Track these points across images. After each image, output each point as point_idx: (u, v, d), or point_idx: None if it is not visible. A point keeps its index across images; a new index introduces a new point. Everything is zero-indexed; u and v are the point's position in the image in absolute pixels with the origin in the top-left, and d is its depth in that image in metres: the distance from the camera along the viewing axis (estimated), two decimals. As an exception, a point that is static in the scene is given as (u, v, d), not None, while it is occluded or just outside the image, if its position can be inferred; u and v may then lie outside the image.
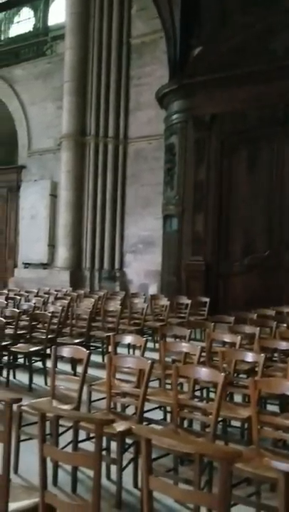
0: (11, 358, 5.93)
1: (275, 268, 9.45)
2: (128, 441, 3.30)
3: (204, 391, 4.62)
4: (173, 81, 10.90)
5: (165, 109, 11.35)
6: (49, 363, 5.75)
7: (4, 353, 5.72)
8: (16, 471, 3.35)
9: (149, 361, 3.36)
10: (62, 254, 12.98)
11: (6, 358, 5.83)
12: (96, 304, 8.22)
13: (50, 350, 5.96)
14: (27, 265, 14.51)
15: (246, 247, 9.88)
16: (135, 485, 3.24)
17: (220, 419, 3.38)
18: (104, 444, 3.16)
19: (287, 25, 9.38)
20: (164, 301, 8.78)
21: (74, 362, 5.78)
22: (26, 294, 9.86)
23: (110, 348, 4.70)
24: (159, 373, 4.22)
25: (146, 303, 8.57)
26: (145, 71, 12.37)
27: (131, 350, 6.93)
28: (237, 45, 9.87)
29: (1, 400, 2.17)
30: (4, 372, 5.72)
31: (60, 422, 3.38)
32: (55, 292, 10.04)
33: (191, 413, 3.41)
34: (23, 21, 17.74)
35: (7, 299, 8.43)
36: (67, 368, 6.10)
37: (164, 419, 4.11)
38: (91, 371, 5.30)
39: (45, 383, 5.76)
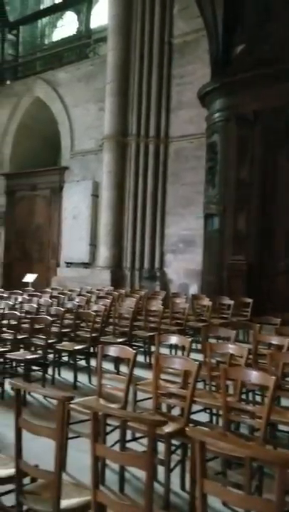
0: (57, 355, 6.03)
1: None
2: (174, 442, 3.28)
3: (250, 394, 4.54)
4: (215, 79, 10.77)
5: (207, 107, 11.23)
6: (93, 362, 5.84)
7: (50, 350, 5.82)
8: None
9: (196, 362, 3.33)
10: (103, 253, 13.12)
11: (51, 355, 5.93)
12: (138, 303, 8.24)
13: (94, 348, 6.08)
14: (69, 264, 14.75)
15: (291, 246, 9.63)
16: (182, 487, 3.22)
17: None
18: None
19: None
20: (206, 301, 8.70)
21: (117, 361, 5.82)
22: (69, 292, 10.01)
23: (155, 348, 4.69)
24: (204, 375, 4.18)
25: (188, 303, 8.52)
26: (187, 70, 12.30)
27: (173, 351, 6.91)
28: (280, 40, 9.64)
29: (54, 398, 2.20)
30: (50, 370, 5.82)
31: (108, 420, 3.41)
32: (97, 291, 10.16)
33: (239, 416, 3.36)
34: (67, 25, 18.05)
35: (51, 297, 8.59)
36: (111, 366, 6.16)
37: (211, 421, 4.06)
38: (134, 370, 5.34)
39: (89, 381, 5.83)
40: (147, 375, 5.12)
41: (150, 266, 12.80)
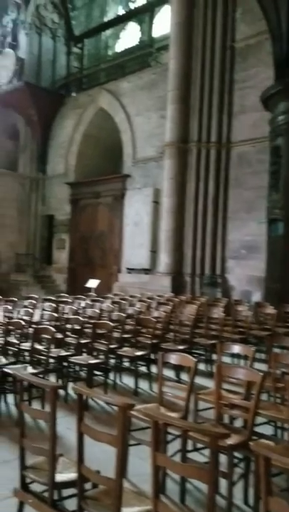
0: (118, 361, 6.09)
1: None
2: (237, 454, 3.19)
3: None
4: (279, 81, 10.50)
5: (270, 110, 10.96)
6: (154, 368, 5.84)
7: (112, 356, 5.88)
8: (124, 476, 3.40)
9: (260, 373, 3.22)
10: (164, 259, 13.13)
11: (113, 360, 6.00)
12: (198, 310, 8.15)
13: (155, 355, 6.08)
14: (130, 270, 14.92)
15: None
16: (246, 501, 3.12)
17: None
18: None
19: None
20: (270, 310, 8.43)
21: (178, 368, 5.77)
22: (130, 298, 10.10)
23: (217, 357, 4.60)
24: (269, 386, 4.04)
25: (251, 311, 8.30)
26: (250, 74, 12.09)
27: (236, 360, 6.75)
28: None
29: (115, 405, 2.21)
30: (111, 375, 5.88)
31: (168, 428, 3.37)
32: (158, 297, 10.17)
33: (306, 431, 3.20)
34: (129, 35, 18.38)
35: (113, 303, 8.71)
36: (171, 374, 6.12)
37: (275, 434, 3.91)
38: (195, 378, 5.27)
39: (150, 388, 5.83)
40: (209, 383, 5.03)
41: (211, 272, 12.63)
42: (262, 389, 3.26)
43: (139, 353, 5.96)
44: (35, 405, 4.52)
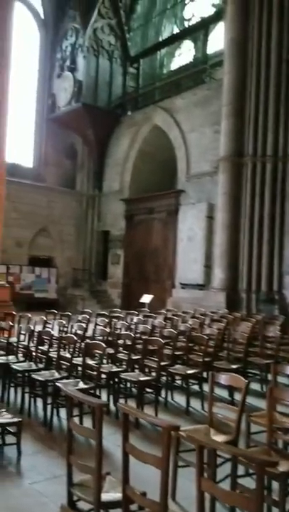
0: (169, 378, 6.03)
1: None
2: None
3: None
4: None
5: None
6: (206, 387, 5.72)
7: (163, 373, 5.84)
8: (173, 498, 3.34)
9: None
10: (218, 275, 12.95)
11: (164, 378, 5.95)
12: (253, 328, 7.93)
13: (207, 373, 5.96)
14: (184, 286, 14.84)
15: None
16: (299, 533, 2.96)
17: None
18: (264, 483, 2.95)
19: None
20: None
21: (232, 388, 5.62)
22: (183, 314, 10.02)
23: (272, 378, 4.44)
24: None
25: (309, 330, 7.97)
26: (306, 85, 11.81)
27: (292, 381, 6.48)
28: None
29: (160, 426, 2.18)
30: (163, 393, 5.83)
31: (218, 451, 3.28)
32: (211, 314, 10.02)
33: None
34: (184, 53, 18.59)
35: (165, 319, 8.68)
36: (225, 393, 5.98)
37: None
38: (249, 399, 5.09)
39: (202, 407, 5.71)
40: (263, 405, 4.86)
41: (268, 288, 12.29)
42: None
43: (190, 371, 5.87)
44: (87, 420, 4.56)
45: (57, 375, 5.04)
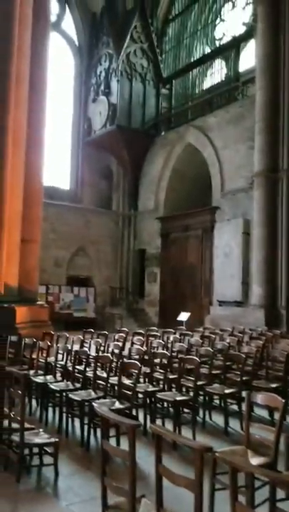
0: (207, 398, 5.95)
1: None
2: None
3: None
4: None
5: None
6: (245, 407, 5.60)
7: (200, 392, 5.77)
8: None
9: None
10: (256, 291, 12.75)
11: (201, 398, 5.87)
12: (294, 346, 7.72)
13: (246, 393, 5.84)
14: (221, 303, 14.67)
15: None
16: None
17: None
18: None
19: None
20: None
21: (271, 408, 5.48)
22: (221, 332, 9.89)
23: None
24: None
25: None
26: None
27: None
28: None
29: (192, 448, 2.17)
30: (201, 413, 5.75)
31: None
32: (250, 331, 9.84)
33: None
34: (216, 72, 18.73)
35: (202, 337, 8.59)
36: (264, 413, 5.83)
37: None
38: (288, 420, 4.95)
39: (241, 428, 5.59)
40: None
41: (308, 305, 11.98)
42: None
43: (228, 391, 5.77)
44: (125, 441, 4.55)
45: (93, 394, 5.08)
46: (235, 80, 16.70)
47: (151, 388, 5.54)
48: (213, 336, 8.75)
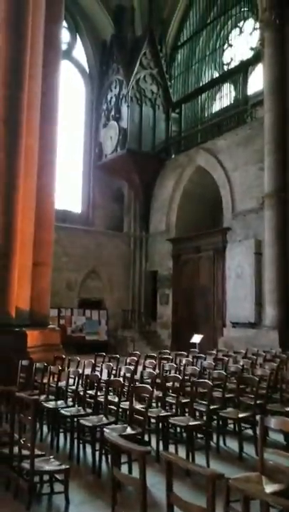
0: (220, 422, 5.83)
1: None
2: None
3: None
4: None
5: None
6: (258, 432, 5.47)
7: (214, 417, 5.65)
8: None
9: None
10: (270, 312, 12.60)
11: (215, 422, 5.75)
12: (309, 368, 7.57)
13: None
14: (235, 324, 14.50)
15: None
16: None
17: None
18: None
19: None
20: None
21: (286, 432, 5.34)
22: (234, 354, 9.75)
23: None
24: None
25: None
26: None
27: None
28: None
29: (203, 475, 2.12)
30: (214, 437, 5.63)
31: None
32: (264, 353, 9.68)
33: None
34: (224, 96, 18.98)
35: (215, 360, 8.47)
36: (280, 437, 5.69)
37: None
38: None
39: (256, 453, 5.44)
40: None
41: None
42: None
43: (242, 415, 5.64)
44: (136, 468, 4.45)
45: (105, 420, 5.00)
46: (243, 103, 16.89)
47: (163, 413, 5.45)
48: (226, 359, 8.62)
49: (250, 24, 18.90)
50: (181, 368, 7.57)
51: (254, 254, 14.06)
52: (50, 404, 5.79)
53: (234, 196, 15.23)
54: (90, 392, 5.98)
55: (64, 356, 8.12)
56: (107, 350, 10.97)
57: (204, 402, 5.66)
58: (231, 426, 6.11)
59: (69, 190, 19.88)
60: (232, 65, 19.44)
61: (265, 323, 12.97)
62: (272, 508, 3.11)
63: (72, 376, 6.53)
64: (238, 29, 19.62)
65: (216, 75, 20.21)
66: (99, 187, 20.42)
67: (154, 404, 6.06)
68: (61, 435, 5.63)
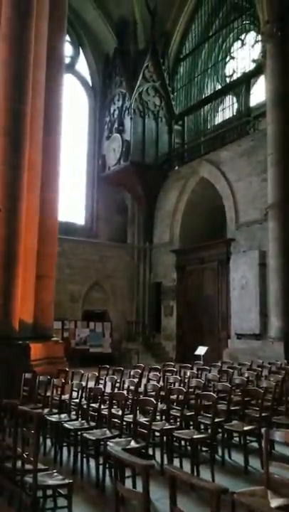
0: (226, 436, 5.75)
1: None
2: None
3: None
4: None
5: None
6: (263, 445, 5.39)
7: (218, 430, 5.58)
8: None
9: None
10: (275, 323, 12.52)
11: (220, 435, 5.68)
12: (315, 380, 7.48)
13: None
14: (240, 336, 14.40)
15: None
16: None
17: None
18: None
19: None
20: None
21: (292, 446, 5.27)
22: (239, 367, 9.67)
23: None
24: None
25: None
26: None
27: None
28: None
29: (206, 489, 2.08)
30: (219, 451, 5.55)
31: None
32: (269, 365, 9.59)
33: None
34: (227, 108, 19.11)
35: (220, 372, 8.40)
36: (287, 450, 5.60)
37: None
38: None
39: (262, 466, 5.36)
40: None
41: None
42: None
43: (248, 428, 5.57)
44: (140, 482, 4.39)
45: (108, 433, 4.95)
46: (246, 115, 16.99)
47: (167, 426, 5.38)
48: (231, 371, 8.54)
49: (251, 36, 19.11)
50: (186, 381, 7.50)
51: (258, 265, 14.02)
52: (54, 418, 5.74)
53: (238, 207, 15.24)
54: (93, 405, 5.93)
55: (67, 369, 8.08)
56: (111, 363, 10.89)
57: (209, 415, 5.60)
58: (236, 439, 6.03)
59: (72, 202, 19.97)
60: (234, 77, 19.62)
61: (270, 334, 12.88)
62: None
63: (76, 389, 6.48)
64: (240, 41, 19.83)
65: (219, 87, 20.38)
66: (102, 199, 20.51)
67: (158, 417, 6.00)
68: (64, 449, 5.57)
